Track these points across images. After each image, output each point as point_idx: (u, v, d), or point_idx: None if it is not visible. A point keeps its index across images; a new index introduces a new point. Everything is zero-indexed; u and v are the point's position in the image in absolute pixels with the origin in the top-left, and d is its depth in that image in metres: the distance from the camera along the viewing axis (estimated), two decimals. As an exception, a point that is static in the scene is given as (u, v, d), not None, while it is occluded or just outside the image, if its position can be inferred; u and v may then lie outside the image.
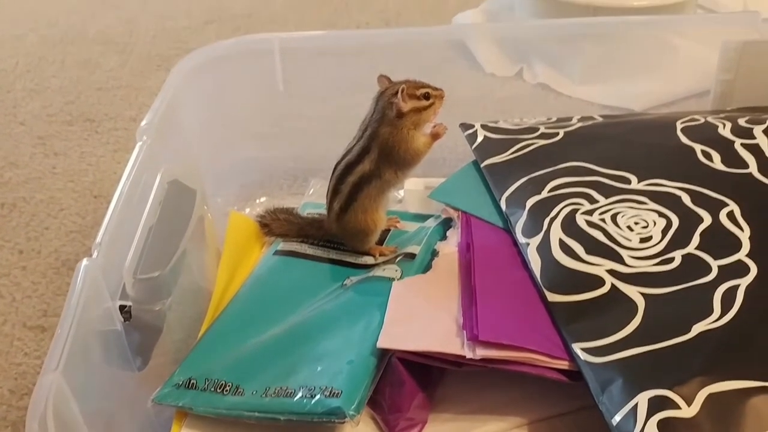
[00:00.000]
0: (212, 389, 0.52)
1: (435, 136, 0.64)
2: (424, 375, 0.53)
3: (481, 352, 0.49)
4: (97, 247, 0.52)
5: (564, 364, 0.49)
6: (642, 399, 0.44)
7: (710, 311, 0.49)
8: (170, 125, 0.68)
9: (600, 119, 0.75)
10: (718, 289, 0.50)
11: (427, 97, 0.62)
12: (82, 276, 0.49)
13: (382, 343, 0.52)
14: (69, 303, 0.47)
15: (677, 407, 0.43)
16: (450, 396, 0.54)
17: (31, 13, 1.30)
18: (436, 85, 0.64)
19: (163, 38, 1.21)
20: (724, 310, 0.48)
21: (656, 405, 0.43)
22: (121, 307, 0.53)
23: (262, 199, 0.83)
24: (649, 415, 0.43)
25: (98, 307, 0.51)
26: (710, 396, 0.43)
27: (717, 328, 0.48)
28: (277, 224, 0.68)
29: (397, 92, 0.61)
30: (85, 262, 0.50)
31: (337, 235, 0.65)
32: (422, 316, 0.54)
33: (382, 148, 0.62)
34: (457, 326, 0.52)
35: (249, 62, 0.80)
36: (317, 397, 0.49)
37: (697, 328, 0.48)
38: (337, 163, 0.64)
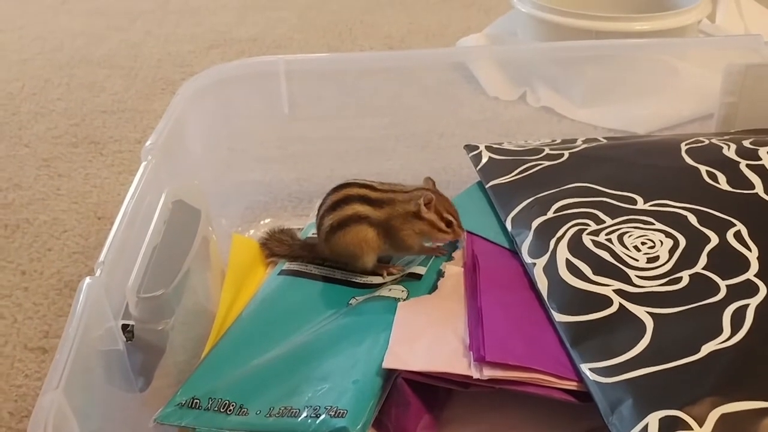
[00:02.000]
0: (216, 409, 0.51)
1: (431, 250, 0.65)
2: (430, 396, 0.52)
3: (489, 373, 0.48)
4: (100, 265, 0.52)
5: (572, 385, 0.49)
6: (653, 420, 0.43)
7: (720, 331, 0.48)
8: (175, 146, 0.68)
9: (604, 141, 0.75)
10: (728, 309, 0.50)
11: (448, 224, 0.62)
12: (85, 294, 0.49)
13: (388, 363, 0.51)
14: (71, 321, 0.47)
15: (689, 428, 0.42)
16: (457, 418, 0.53)
17: (38, 38, 1.31)
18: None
19: (167, 62, 1.21)
20: (734, 330, 0.48)
21: (667, 426, 0.43)
22: (124, 327, 0.52)
23: (267, 221, 0.82)
24: (660, 436, 0.42)
25: (100, 327, 0.51)
26: (723, 416, 0.42)
27: (727, 347, 0.47)
28: (276, 245, 0.68)
29: (427, 199, 0.61)
30: (87, 280, 0.50)
31: (327, 257, 0.65)
32: (428, 336, 0.53)
33: (387, 219, 0.62)
34: (464, 346, 0.51)
35: (254, 84, 0.80)
36: (322, 416, 0.49)
37: (707, 348, 0.47)
38: (352, 184, 0.63)
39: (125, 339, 0.52)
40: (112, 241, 0.54)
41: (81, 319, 0.47)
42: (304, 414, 0.49)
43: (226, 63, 0.79)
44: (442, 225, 0.62)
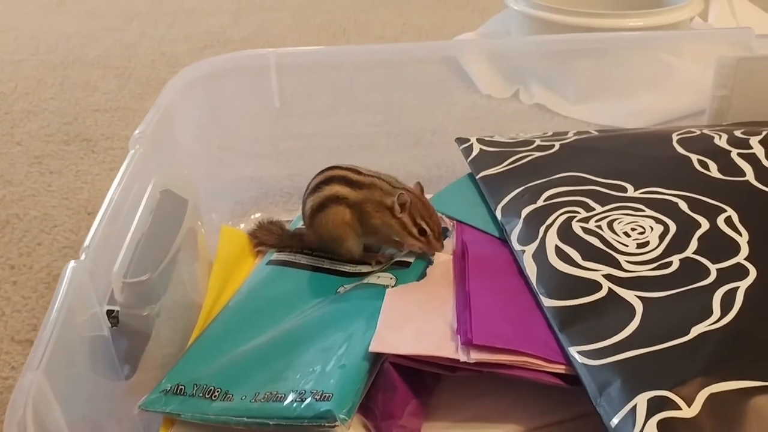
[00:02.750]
0: (200, 395, 0.51)
1: (400, 244, 0.62)
2: (417, 381, 0.51)
3: (476, 356, 0.48)
4: (85, 250, 0.51)
5: (560, 368, 0.48)
6: (641, 400, 0.43)
7: (710, 313, 0.48)
8: (164, 136, 0.67)
9: (596, 133, 0.75)
10: (718, 292, 0.49)
11: (421, 232, 0.60)
12: (69, 277, 0.48)
13: (375, 347, 0.51)
14: (54, 304, 0.46)
15: (677, 408, 0.42)
16: (444, 404, 0.53)
17: (32, 39, 1.31)
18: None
19: (161, 63, 1.21)
20: (724, 312, 0.47)
21: (656, 406, 0.42)
22: (109, 312, 0.52)
23: (257, 215, 0.82)
24: (648, 416, 0.42)
25: (85, 312, 0.50)
26: (711, 396, 0.42)
27: (717, 329, 0.46)
28: (265, 234, 0.67)
29: (401, 200, 0.59)
30: (72, 264, 0.49)
31: (314, 244, 0.65)
32: (416, 321, 0.53)
33: (362, 202, 0.61)
34: (452, 331, 0.51)
35: (245, 78, 0.80)
36: (307, 400, 0.48)
37: (697, 330, 0.46)
38: (335, 167, 0.63)
39: (110, 324, 0.52)
40: (98, 227, 0.54)
41: (64, 302, 0.47)
42: (290, 398, 0.49)
43: (217, 56, 0.78)
44: (414, 231, 0.60)
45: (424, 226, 0.60)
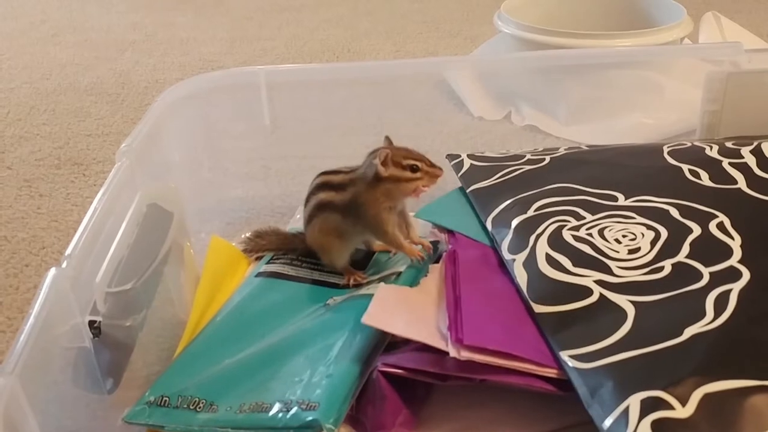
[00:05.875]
0: (185, 406, 0.50)
1: (405, 239, 0.59)
2: (408, 391, 0.50)
3: (467, 354, 0.47)
4: (66, 258, 0.50)
5: (552, 372, 0.47)
6: (634, 401, 0.41)
7: (703, 314, 0.47)
8: (152, 151, 0.67)
9: (586, 148, 0.75)
10: (711, 294, 0.48)
11: (414, 169, 0.58)
12: (49, 284, 0.47)
13: (366, 319, 0.49)
14: (33, 309, 0.45)
15: (671, 408, 0.40)
16: (436, 415, 0.51)
17: (26, 68, 1.32)
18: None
19: (155, 89, 1.22)
20: (717, 313, 0.46)
21: (649, 406, 0.41)
22: (91, 323, 0.51)
23: (247, 235, 0.81)
24: (641, 417, 0.40)
25: (65, 322, 0.49)
26: (706, 396, 0.41)
27: (711, 330, 0.45)
28: (263, 241, 0.66)
29: (382, 156, 0.57)
30: (53, 271, 0.48)
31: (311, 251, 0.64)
32: (408, 310, 0.52)
33: (353, 200, 0.59)
34: (443, 328, 0.50)
35: (235, 95, 0.80)
36: (293, 410, 0.47)
37: (690, 331, 0.45)
38: (322, 173, 0.63)
39: (92, 335, 0.51)
40: (80, 237, 0.53)
41: (43, 308, 0.46)
42: (275, 408, 0.48)
43: (207, 73, 0.78)
44: (408, 174, 0.57)
45: (413, 162, 0.57)
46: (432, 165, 0.58)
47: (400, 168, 0.58)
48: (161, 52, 1.38)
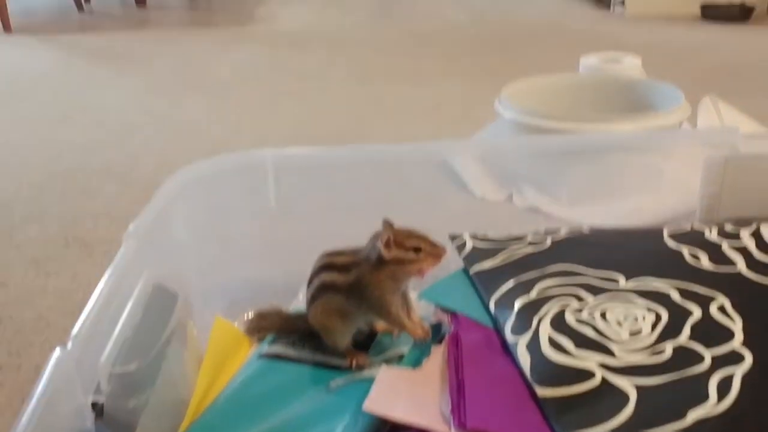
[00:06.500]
0: (183, 490, 0.49)
1: (410, 322, 0.59)
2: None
3: (470, 438, 0.47)
4: (72, 339, 0.51)
5: (556, 456, 0.46)
6: (638, 486, 0.41)
7: (706, 397, 0.46)
8: (159, 232, 0.68)
9: (587, 230, 0.76)
10: (713, 377, 0.48)
11: (417, 250, 0.58)
12: (54, 364, 0.47)
13: (368, 406, 0.49)
14: (36, 390, 0.45)
15: (676, 495, 0.40)
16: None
17: (37, 149, 1.35)
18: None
19: (164, 170, 1.23)
20: (721, 397, 0.46)
21: (654, 493, 0.40)
22: (93, 404, 0.51)
23: (250, 315, 0.81)
24: (646, 504, 0.40)
25: (69, 403, 0.49)
26: (711, 483, 0.40)
27: (715, 415, 0.45)
28: (265, 322, 0.67)
29: (384, 238, 0.57)
30: (58, 351, 0.49)
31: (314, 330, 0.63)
32: (410, 392, 0.52)
33: (357, 281, 0.59)
34: (445, 411, 0.50)
35: (242, 178, 0.81)
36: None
37: (694, 415, 0.45)
38: (326, 253, 0.63)
39: (94, 417, 0.50)
40: (86, 318, 0.53)
41: (46, 390, 0.46)
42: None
43: (214, 157, 0.80)
44: (411, 255, 0.57)
45: (416, 243, 0.58)
46: (435, 245, 0.59)
47: (404, 249, 0.58)
48: (170, 134, 1.41)
